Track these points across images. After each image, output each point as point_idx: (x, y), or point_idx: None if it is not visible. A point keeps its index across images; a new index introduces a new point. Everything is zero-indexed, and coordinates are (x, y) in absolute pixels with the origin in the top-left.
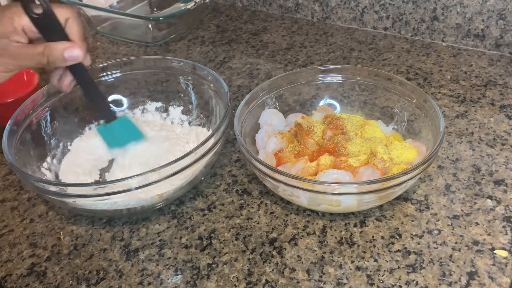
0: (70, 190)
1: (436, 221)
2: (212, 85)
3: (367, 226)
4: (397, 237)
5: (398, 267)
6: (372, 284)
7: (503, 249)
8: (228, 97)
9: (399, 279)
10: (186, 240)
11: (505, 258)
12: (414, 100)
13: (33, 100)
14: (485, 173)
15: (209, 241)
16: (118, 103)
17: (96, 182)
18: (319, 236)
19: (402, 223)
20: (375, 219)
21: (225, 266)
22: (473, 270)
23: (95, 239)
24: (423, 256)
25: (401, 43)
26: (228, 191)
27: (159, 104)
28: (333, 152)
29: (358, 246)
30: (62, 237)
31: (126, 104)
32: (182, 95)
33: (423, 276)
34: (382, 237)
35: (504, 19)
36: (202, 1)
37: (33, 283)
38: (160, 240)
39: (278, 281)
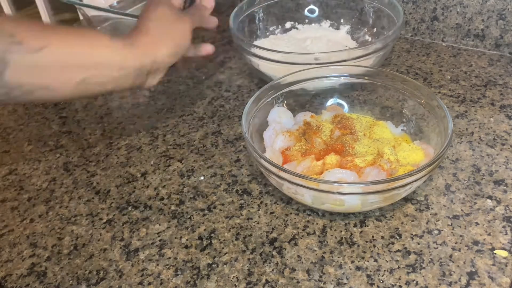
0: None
1: (436, 221)
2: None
3: (367, 226)
4: (397, 237)
5: (398, 267)
6: (372, 284)
7: (503, 249)
8: (402, 21)
9: (399, 279)
10: (186, 240)
11: (505, 258)
12: (423, 101)
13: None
14: (485, 173)
15: (209, 241)
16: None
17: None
18: (319, 236)
19: (402, 223)
20: (375, 219)
21: (225, 266)
22: (473, 270)
23: (95, 239)
24: (423, 256)
25: (401, 43)
26: (228, 191)
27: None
28: (340, 152)
29: (358, 246)
30: (62, 237)
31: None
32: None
33: (423, 276)
34: (382, 237)
35: (504, 19)
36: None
37: (33, 283)
38: (160, 240)
39: (278, 281)
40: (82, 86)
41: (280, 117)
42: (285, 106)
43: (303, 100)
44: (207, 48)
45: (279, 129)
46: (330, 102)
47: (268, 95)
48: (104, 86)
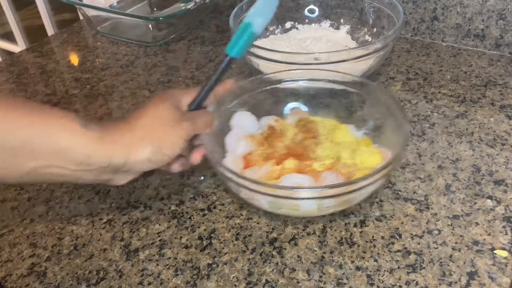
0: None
1: (436, 221)
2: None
3: (367, 226)
4: (397, 237)
5: (398, 267)
6: (372, 284)
7: (503, 249)
8: (402, 21)
9: (399, 279)
10: (186, 240)
11: (505, 258)
12: (382, 103)
13: None
14: (485, 173)
15: (209, 241)
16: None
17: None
18: (319, 236)
19: (402, 223)
20: (375, 219)
21: (225, 266)
22: (473, 270)
23: (95, 239)
24: (423, 256)
25: (401, 43)
26: (228, 191)
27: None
28: (302, 156)
29: (358, 246)
30: (62, 237)
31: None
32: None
33: (423, 276)
34: (382, 237)
35: (504, 19)
36: (202, 1)
37: (33, 283)
38: (160, 240)
39: (278, 281)
40: (33, 176)
41: (243, 121)
42: (249, 110)
43: (267, 105)
44: (195, 157)
45: (241, 134)
46: (292, 106)
47: (228, 101)
48: (60, 178)
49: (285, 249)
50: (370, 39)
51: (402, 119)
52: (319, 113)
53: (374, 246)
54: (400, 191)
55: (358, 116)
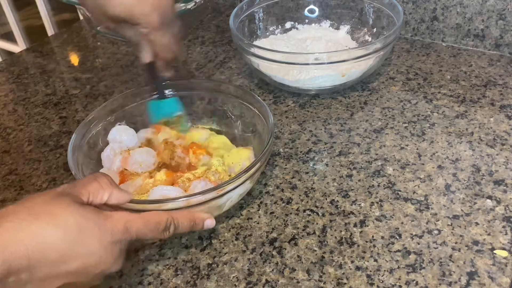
0: None
1: (436, 221)
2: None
3: (367, 226)
4: (397, 237)
5: (398, 267)
6: (372, 284)
7: (503, 249)
8: (402, 21)
9: (399, 279)
10: (186, 240)
11: (505, 258)
12: (254, 109)
13: None
14: (485, 173)
15: (209, 241)
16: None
17: None
18: (319, 236)
19: (402, 223)
20: (375, 219)
21: (225, 266)
22: (473, 270)
23: None
24: (423, 256)
25: (401, 43)
26: None
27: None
28: (177, 167)
29: (358, 246)
30: None
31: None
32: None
33: (423, 276)
34: (382, 237)
35: (504, 19)
36: (202, 1)
37: None
38: (160, 240)
39: (278, 281)
40: None
41: (121, 135)
42: (125, 123)
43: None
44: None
45: (117, 149)
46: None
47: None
48: None
49: (285, 249)
50: (370, 39)
51: (268, 121)
52: (202, 122)
53: (374, 246)
54: (400, 191)
55: (229, 117)
